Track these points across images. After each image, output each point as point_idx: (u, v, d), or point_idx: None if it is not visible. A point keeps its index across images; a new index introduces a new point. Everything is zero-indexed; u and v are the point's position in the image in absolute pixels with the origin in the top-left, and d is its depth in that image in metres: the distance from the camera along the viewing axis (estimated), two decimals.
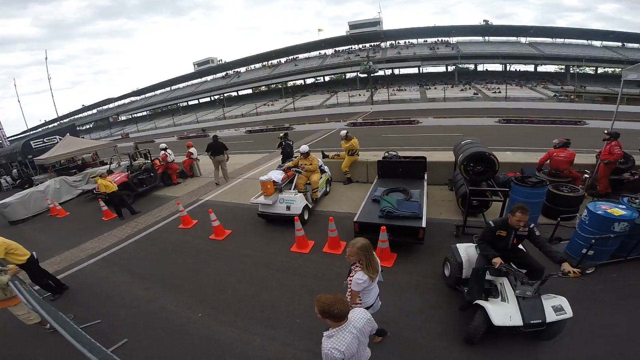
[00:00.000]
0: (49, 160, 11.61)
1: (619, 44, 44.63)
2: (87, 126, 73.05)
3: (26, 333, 4.25)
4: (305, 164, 7.02)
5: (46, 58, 42.99)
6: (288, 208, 6.23)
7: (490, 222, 3.45)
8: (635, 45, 43.21)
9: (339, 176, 8.64)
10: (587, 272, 4.13)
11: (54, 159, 11.86)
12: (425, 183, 6.30)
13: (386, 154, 7.79)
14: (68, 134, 13.84)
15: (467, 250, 3.85)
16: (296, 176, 6.91)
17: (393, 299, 3.98)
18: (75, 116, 75.83)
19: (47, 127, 63.66)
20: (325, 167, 7.98)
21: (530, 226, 3.26)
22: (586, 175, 6.54)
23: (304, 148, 7.13)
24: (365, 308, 2.61)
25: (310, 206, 6.82)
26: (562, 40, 46.89)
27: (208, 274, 5.16)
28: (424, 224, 4.63)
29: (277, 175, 6.74)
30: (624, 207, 4.18)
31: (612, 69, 43.22)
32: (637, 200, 4.31)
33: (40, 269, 4.98)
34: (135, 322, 4.22)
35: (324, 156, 9.39)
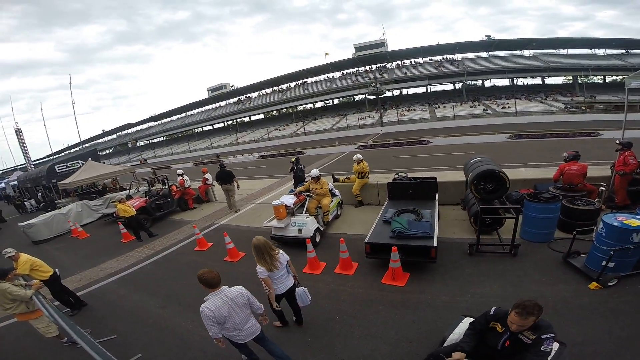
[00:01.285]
0: (72, 185, 12.19)
1: (623, 50, 44.26)
2: (107, 151, 76.18)
3: (44, 345, 4.47)
4: (316, 188, 7.18)
5: (70, 82, 45.13)
6: (300, 231, 6.34)
7: (493, 309, 2.78)
8: (638, 52, 42.77)
9: (350, 199, 8.72)
10: (609, 284, 4.04)
11: (77, 184, 12.43)
12: (437, 203, 6.32)
13: (396, 176, 7.87)
14: (90, 158, 14.51)
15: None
16: (307, 200, 7.06)
17: (407, 317, 4.00)
18: (96, 141, 79.24)
19: (69, 151, 66.54)
20: (336, 190, 8.11)
21: (543, 337, 2.35)
22: (602, 188, 6.44)
23: (314, 172, 7.32)
24: (279, 295, 3.68)
25: (322, 229, 6.91)
26: (565, 50, 46.94)
27: None
28: (435, 243, 4.65)
29: (289, 200, 6.92)
30: None
31: (620, 77, 42.71)
32: None
33: (62, 286, 5.30)
34: (150, 339, 4.35)
35: (335, 180, 9.53)
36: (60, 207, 11.72)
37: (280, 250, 3.78)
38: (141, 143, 75.44)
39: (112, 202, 12.09)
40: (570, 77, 45.64)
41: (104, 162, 18.47)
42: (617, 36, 44.11)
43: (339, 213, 8.08)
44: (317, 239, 6.54)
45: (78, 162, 15.42)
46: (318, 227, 6.64)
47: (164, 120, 74.83)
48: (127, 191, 12.24)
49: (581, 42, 44.95)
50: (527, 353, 2.39)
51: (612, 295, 3.89)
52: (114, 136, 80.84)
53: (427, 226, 5.02)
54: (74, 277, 6.82)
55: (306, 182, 7.83)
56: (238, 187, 10.12)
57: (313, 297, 4.59)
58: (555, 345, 2.59)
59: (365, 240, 5.13)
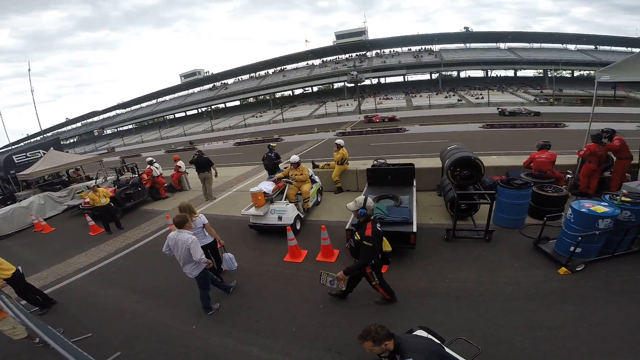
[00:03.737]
0: (33, 175, 11.29)
1: (592, 47, 46.87)
2: (71, 140, 71.69)
3: (14, 350, 4.13)
4: (296, 174, 7.04)
5: (29, 70, 41.94)
6: (280, 218, 6.23)
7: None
8: (607, 48, 45.35)
9: (329, 186, 8.69)
10: (576, 269, 4.22)
11: (38, 174, 11.54)
12: (414, 189, 6.40)
13: (375, 162, 7.89)
14: (52, 148, 13.47)
15: None
16: (287, 187, 6.92)
17: (389, 304, 4.05)
18: (59, 130, 74.32)
19: (29, 141, 62.15)
20: (316, 177, 8.01)
21: None
22: (569, 176, 6.76)
23: (294, 158, 7.17)
24: (205, 246, 4.61)
25: (302, 216, 6.83)
26: (539, 45, 49.02)
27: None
28: (414, 229, 4.70)
29: (268, 187, 6.75)
30: (606, 204, 4.31)
31: (587, 72, 45.21)
32: (617, 198, 4.44)
33: (27, 284, 4.90)
34: (128, 335, 4.14)
35: (315, 166, 9.44)
36: (21, 200, 10.87)
37: (201, 215, 4.69)
38: (108, 131, 71.55)
39: (78, 192, 11.40)
40: (541, 71, 47.72)
41: (67, 152, 17.25)
42: (588, 32, 46.38)
43: (319, 200, 8.02)
44: (298, 227, 6.45)
45: (39, 152, 14.28)
46: (298, 214, 6.55)
47: (133, 108, 71.26)
48: (94, 181, 11.53)
49: (554, 37, 46.98)
50: None
51: (580, 280, 4.07)
52: (79, 124, 76.10)
53: (406, 212, 5.06)
54: (40, 274, 6.34)
55: (285, 168, 7.68)
56: (216, 175, 9.78)
57: (297, 286, 4.59)
58: None
59: (347, 227, 5.11)
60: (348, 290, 4.09)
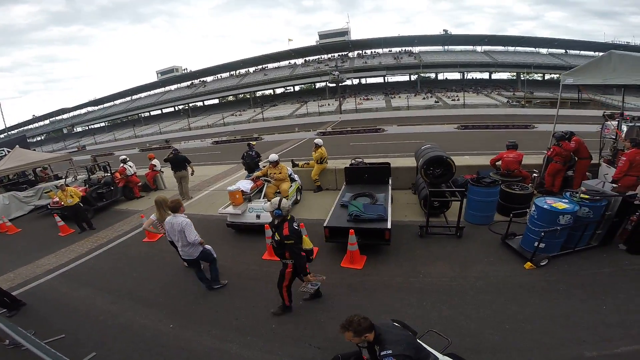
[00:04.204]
0: None
1: (563, 51, 49.13)
2: (39, 138, 67.72)
3: None
4: (275, 173, 7.05)
5: None
6: (258, 217, 6.22)
7: None
8: (577, 52, 47.72)
9: (309, 184, 8.75)
10: (541, 264, 4.44)
11: (2, 173, 10.91)
12: (390, 187, 6.56)
13: (353, 162, 8.03)
14: (17, 145, 12.82)
15: None
16: (265, 185, 6.92)
17: (367, 299, 4.16)
18: (25, 127, 70.07)
19: None
20: (295, 175, 8.05)
21: (381, 353, 2.23)
22: (535, 175, 7.13)
23: (273, 157, 7.18)
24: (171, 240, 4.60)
25: None
26: (513, 48, 50.83)
27: (177, 286, 5.03)
28: (389, 226, 4.83)
29: (246, 185, 6.73)
30: (567, 201, 4.57)
31: (557, 75, 47.52)
32: (577, 195, 4.69)
33: None
34: (103, 336, 4.04)
35: (294, 165, 9.47)
36: None
37: None
38: (79, 129, 68.24)
39: (46, 192, 10.87)
40: (515, 74, 49.71)
41: (34, 150, 16.38)
42: (560, 36, 48.62)
43: (299, 198, 8.06)
44: None
45: (3, 150, 13.57)
46: None
47: (105, 105, 68.20)
48: (64, 180, 11.02)
49: (527, 40, 48.81)
50: None
51: (544, 274, 4.29)
52: (47, 122, 72.04)
53: (382, 209, 5.20)
54: (7, 276, 6.06)
55: (264, 167, 7.66)
56: (193, 173, 9.60)
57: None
58: None
59: (325, 224, 5.18)
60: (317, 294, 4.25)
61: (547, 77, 49.15)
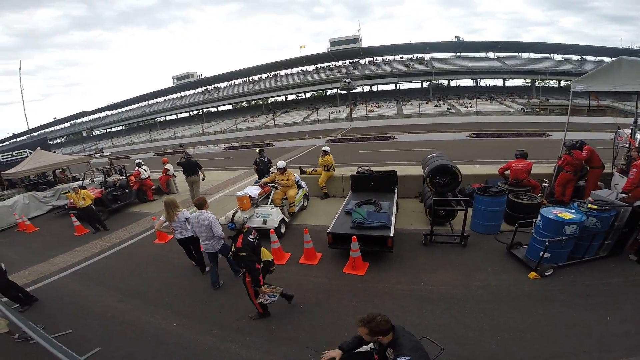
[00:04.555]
0: (18, 174, 11.18)
1: (579, 57, 47.91)
2: (59, 140, 70.24)
3: None
4: (282, 180, 7.19)
5: (20, 68, 41.46)
6: (264, 222, 6.34)
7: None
8: (592, 58, 46.41)
9: (316, 191, 8.84)
10: (546, 274, 4.39)
11: (23, 174, 11.43)
12: (396, 195, 6.59)
13: (359, 169, 8.09)
14: (39, 147, 13.33)
15: None
16: (273, 191, 7.06)
17: (366, 305, 4.19)
18: (47, 129, 72.87)
19: (16, 140, 60.84)
20: (303, 182, 8.18)
21: (398, 359, 2.13)
22: (545, 184, 7.03)
23: (281, 164, 7.32)
24: (180, 239, 5.15)
25: (287, 220, 6.95)
26: (527, 54, 49.96)
27: (184, 286, 5.19)
28: (392, 233, 4.87)
29: (254, 191, 6.89)
30: (574, 211, 4.50)
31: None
32: (584, 205, 4.62)
33: (8, 280, 4.96)
34: (109, 333, 4.21)
35: (302, 172, 9.59)
36: (4, 199, 10.73)
37: (183, 210, 5.15)
38: (97, 132, 70.42)
39: (64, 193, 11.31)
40: (529, 80, 48.83)
41: (55, 152, 17.04)
42: (575, 42, 47.54)
43: (305, 205, 8.16)
44: (283, 230, 6.58)
45: (25, 151, 14.13)
46: (283, 218, 6.68)
47: (123, 109, 70.35)
48: (81, 182, 11.45)
49: (542, 46, 48.01)
50: None
51: (549, 284, 4.24)
52: (67, 124, 74.75)
53: (385, 217, 5.25)
54: (22, 273, 6.35)
55: (272, 173, 7.81)
56: (204, 178, 9.86)
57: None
58: None
59: (328, 231, 5.26)
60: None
61: (562, 83, 47.92)
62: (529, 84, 49.21)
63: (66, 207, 9.55)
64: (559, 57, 48.80)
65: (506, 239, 5.38)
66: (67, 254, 7.10)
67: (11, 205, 10.18)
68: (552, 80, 48.40)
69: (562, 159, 6.51)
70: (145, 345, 3.92)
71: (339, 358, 2.56)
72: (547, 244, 4.27)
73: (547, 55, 49.09)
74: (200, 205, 4.70)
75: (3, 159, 13.82)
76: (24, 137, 53.75)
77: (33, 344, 3.85)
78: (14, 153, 14.12)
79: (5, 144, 60.09)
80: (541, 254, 4.37)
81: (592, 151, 6.31)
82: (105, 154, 35.71)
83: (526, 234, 5.06)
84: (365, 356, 2.68)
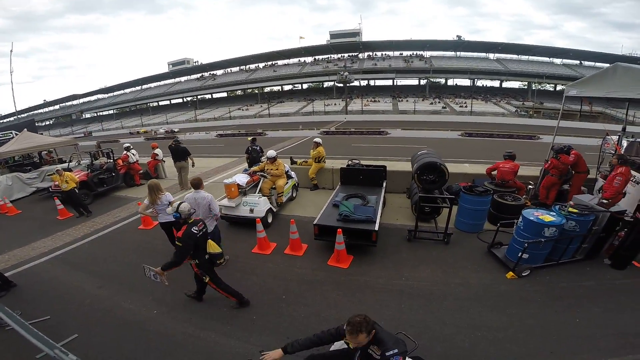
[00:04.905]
0: (2, 155, 10.90)
1: (577, 62, 48.33)
2: (48, 122, 68.66)
3: None
4: (272, 169, 7.14)
5: (11, 50, 40.53)
6: (251, 211, 6.32)
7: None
8: (591, 64, 46.84)
9: (306, 182, 8.83)
10: (523, 274, 4.47)
11: (8, 154, 11.15)
12: (384, 190, 6.62)
13: (349, 162, 8.09)
14: (25, 129, 13.02)
15: None
16: (261, 180, 7.02)
17: (348, 298, 4.24)
18: (35, 111, 71.14)
19: (2, 121, 59.25)
20: (293, 172, 8.14)
21: (387, 354, 2.14)
22: (530, 186, 7.13)
23: (271, 153, 7.27)
24: (162, 222, 5.09)
25: (275, 210, 6.94)
26: (527, 57, 50.18)
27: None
28: (376, 227, 4.90)
29: (242, 179, 6.83)
30: (555, 214, 4.59)
31: None
32: (565, 208, 4.71)
33: None
34: (87, 319, 4.16)
35: (293, 162, 9.56)
36: None
37: (167, 193, 5.10)
38: (88, 115, 69.01)
39: (49, 175, 11.07)
40: (526, 83, 49.17)
41: (42, 134, 16.63)
42: (576, 47, 47.79)
43: (294, 195, 8.15)
44: (269, 220, 6.58)
45: (11, 133, 13.81)
46: (271, 208, 6.67)
47: (115, 93, 68.92)
48: (67, 164, 11.23)
49: (542, 50, 48.24)
50: None
51: (525, 284, 4.32)
52: (57, 107, 73.00)
53: (371, 211, 5.27)
54: (1, 257, 6.18)
55: (262, 162, 7.76)
56: (193, 165, 9.76)
57: (261, 276, 4.71)
58: None
59: (314, 222, 5.27)
60: (200, 291, 4.28)
61: (558, 87, 48.33)
62: (526, 87, 49.61)
63: (50, 189, 9.36)
64: (558, 61, 49.19)
65: (488, 238, 5.46)
66: (49, 238, 6.95)
67: None
68: (548, 83, 48.90)
69: (549, 162, 6.61)
70: (123, 333, 3.88)
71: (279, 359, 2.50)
72: (526, 244, 4.34)
73: (546, 59, 49.41)
74: (197, 185, 4.83)
75: None
76: (11, 119, 52.40)
77: (8, 330, 3.80)
78: None
79: None
80: (520, 254, 4.45)
81: (578, 156, 6.41)
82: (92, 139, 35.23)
83: (507, 234, 5.13)
84: (342, 355, 2.63)
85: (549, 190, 6.68)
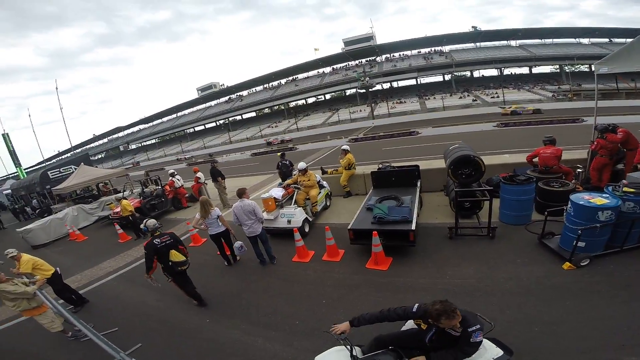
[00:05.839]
0: (66, 189, 12.31)
1: (606, 39, 44.99)
2: (99, 156, 75.46)
3: (50, 341, 4.71)
4: (304, 180, 7.37)
5: (57, 87, 44.92)
6: (289, 222, 6.56)
7: (415, 305, 2.56)
8: (622, 40, 43.23)
9: (339, 190, 8.94)
10: (581, 264, 4.14)
11: (70, 189, 12.54)
12: (418, 189, 6.54)
13: (380, 165, 8.10)
14: (82, 163, 14.57)
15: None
16: (296, 192, 7.26)
17: (389, 299, 4.21)
18: (87, 146, 78.57)
19: (61, 157, 66.09)
20: (324, 182, 8.33)
21: (469, 330, 2.28)
22: (579, 170, 6.68)
23: (301, 165, 7.52)
24: (212, 234, 5.69)
25: (311, 219, 7.12)
26: (551, 40, 47.56)
27: (216, 285, 5.51)
28: (413, 227, 4.86)
29: (278, 193, 7.15)
30: (608, 195, 4.21)
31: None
32: (619, 188, 4.32)
33: (64, 284, 5.56)
34: (149, 330, 4.62)
35: (323, 172, 9.72)
36: (56, 212, 11.84)
37: (216, 208, 5.65)
38: (133, 146, 74.91)
39: (107, 204, 12.26)
40: (557, 66, 46.20)
41: (96, 167, 18.43)
42: (600, 25, 44.50)
43: (328, 204, 8.30)
44: (306, 229, 6.77)
45: (70, 167, 15.51)
46: (307, 218, 6.87)
47: (154, 122, 74.35)
48: (122, 193, 12.34)
49: (566, 31, 45.75)
50: (458, 345, 2.35)
51: (584, 275, 4.00)
52: (105, 140, 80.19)
53: (406, 211, 5.24)
54: (75, 277, 7.03)
55: (294, 175, 8.03)
56: (225, 187, 10.46)
57: (302, 284, 4.85)
58: (498, 352, 2.59)
59: (349, 227, 5.35)
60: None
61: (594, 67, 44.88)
62: (558, 70, 46.53)
63: (110, 216, 10.38)
64: (585, 41, 46.10)
65: (538, 229, 5.14)
66: (113, 259, 7.78)
67: (62, 217, 11.25)
68: (582, 65, 45.53)
69: (595, 143, 6.19)
70: (180, 340, 4.25)
71: (348, 331, 2.66)
72: (579, 232, 4.02)
73: (573, 40, 46.53)
74: (241, 194, 5.40)
75: (52, 175, 15.23)
76: (68, 155, 58.33)
77: (83, 342, 4.34)
78: (61, 170, 15.53)
79: (52, 161, 65.54)
80: (574, 242, 4.11)
81: (628, 133, 5.96)
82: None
83: (560, 224, 4.78)
84: (412, 335, 2.67)
85: (601, 172, 6.22)
